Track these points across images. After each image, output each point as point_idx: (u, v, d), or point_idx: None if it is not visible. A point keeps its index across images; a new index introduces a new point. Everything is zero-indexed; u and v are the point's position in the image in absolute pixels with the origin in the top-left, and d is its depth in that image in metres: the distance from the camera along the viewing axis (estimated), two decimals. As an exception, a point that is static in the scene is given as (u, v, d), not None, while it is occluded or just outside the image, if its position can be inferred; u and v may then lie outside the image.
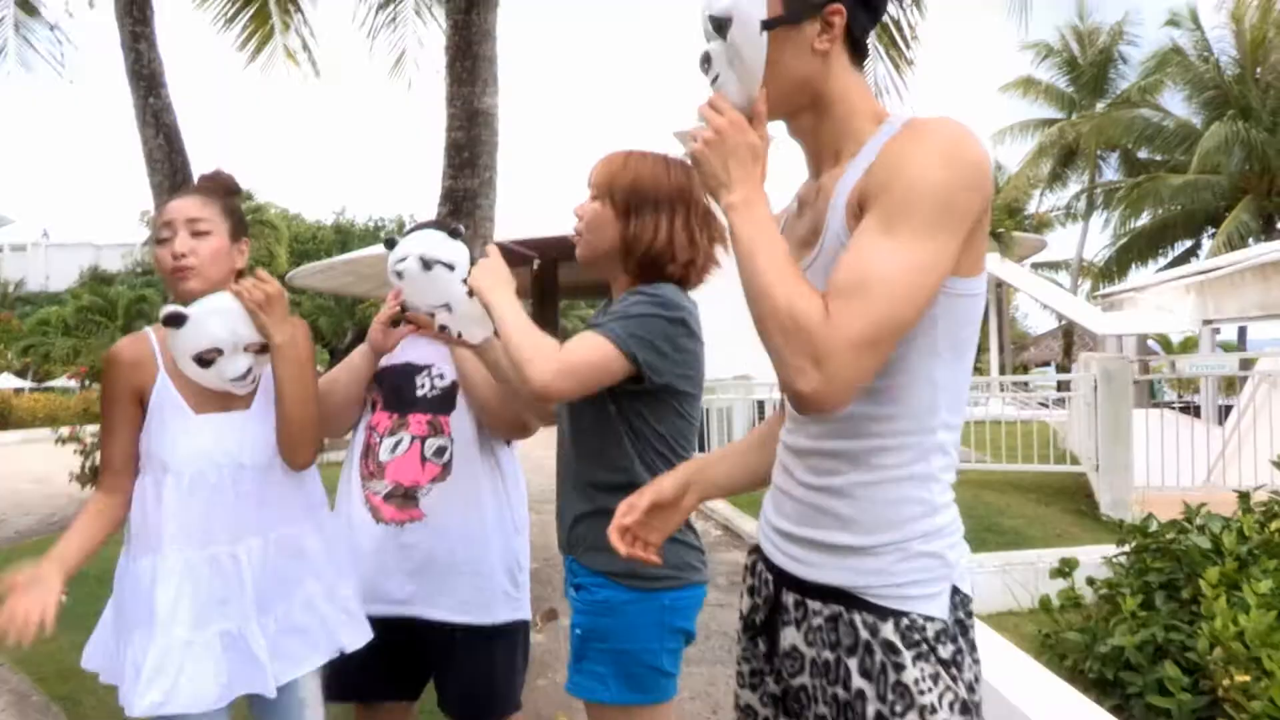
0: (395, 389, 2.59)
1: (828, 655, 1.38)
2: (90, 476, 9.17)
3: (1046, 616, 4.25)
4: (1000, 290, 22.65)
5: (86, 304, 36.04)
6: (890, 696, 1.31)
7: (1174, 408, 15.16)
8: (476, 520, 2.55)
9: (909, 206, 1.21)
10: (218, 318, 1.99)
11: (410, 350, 2.60)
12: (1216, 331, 15.63)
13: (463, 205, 5.54)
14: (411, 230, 2.32)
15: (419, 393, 2.58)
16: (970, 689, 1.35)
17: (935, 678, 1.32)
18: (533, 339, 1.85)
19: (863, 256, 1.21)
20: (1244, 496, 4.64)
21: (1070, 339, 30.84)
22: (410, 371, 2.59)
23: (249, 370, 2.04)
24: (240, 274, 2.11)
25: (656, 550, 1.66)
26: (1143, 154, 29.56)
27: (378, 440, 2.55)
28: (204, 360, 1.99)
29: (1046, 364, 32.40)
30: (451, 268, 2.13)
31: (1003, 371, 22.09)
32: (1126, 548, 4.26)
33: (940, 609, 1.35)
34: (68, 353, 32.88)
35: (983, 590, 4.84)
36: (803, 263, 1.38)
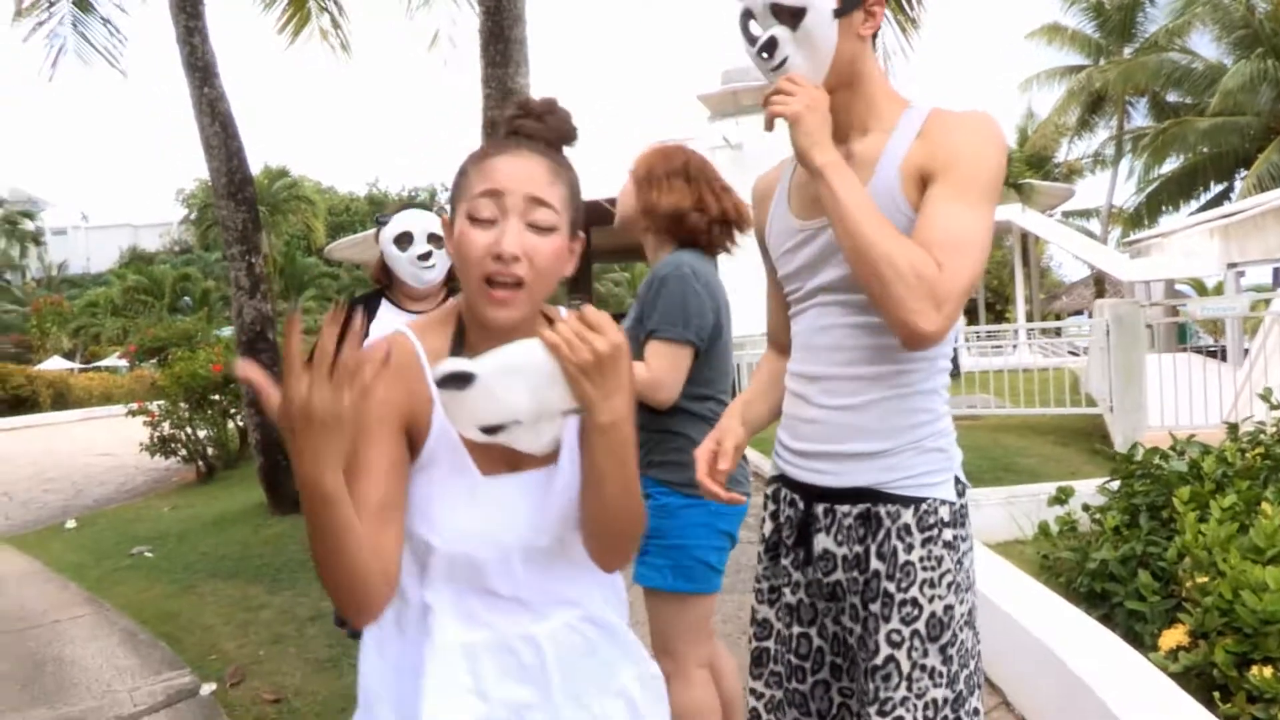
0: None
1: (857, 549, 1.67)
2: (159, 446, 9.73)
3: (1045, 541, 4.65)
4: (1026, 240, 22.77)
5: (132, 284, 36.86)
6: (898, 575, 1.62)
7: (1202, 351, 15.37)
8: None
9: (975, 180, 1.55)
10: (520, 381, 1.28)
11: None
12: (1241, 274, 15.75)
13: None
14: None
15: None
16: (966, 572, 1.69)
17: (939, 560, 1.64)
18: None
19: (955, 221, 1.51)
20: (1233, 427, 5.02)
21: (1102, 287, 30.83)
22: None
23: (554, 439, 1.38)
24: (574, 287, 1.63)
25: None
26: (1172, 98, 29.33)
27: None
28: (492, 430, 1.32)
29: (1079, 312, 32.41)
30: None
31: (1030, 320, 22.27)
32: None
33: (949, 493, 1.68)
34: (117, 333, 33.72)
35: (990, 521, 5.25)
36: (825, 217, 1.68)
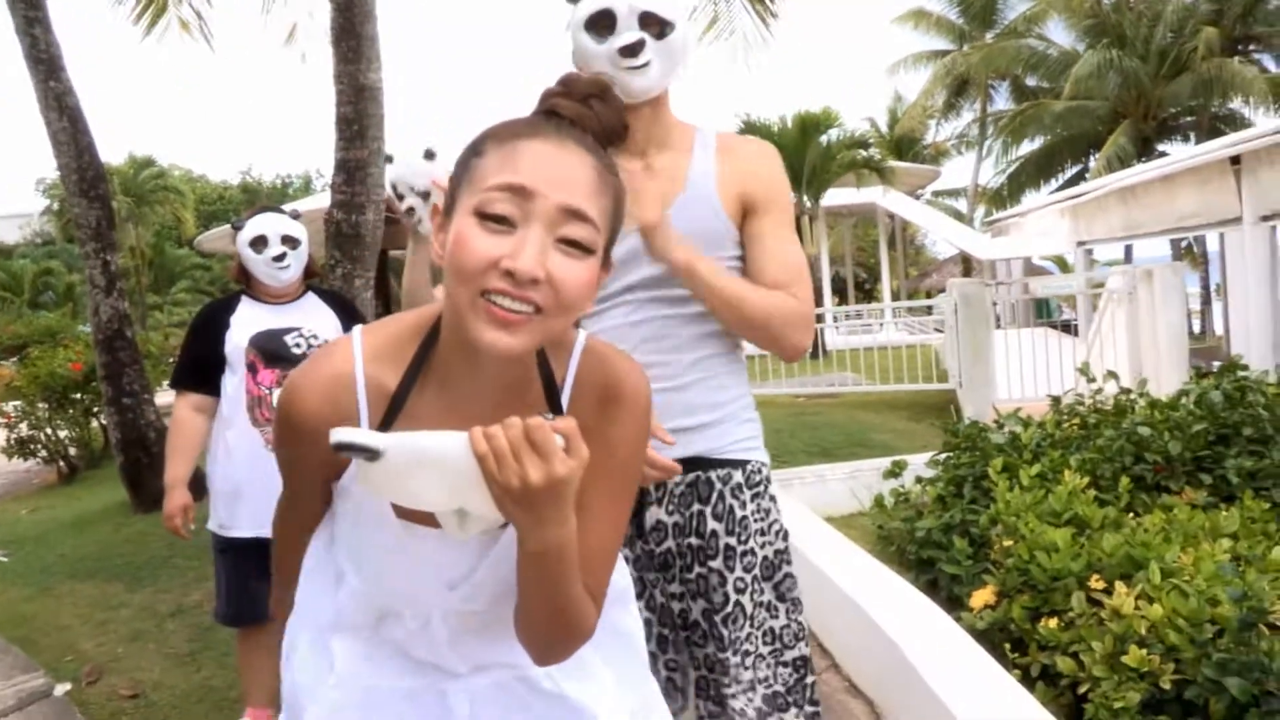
0: (271, 350, 3.09)
1: (686, 513, 1.86)
2: (16, 448, 9.47)
3: (881, 512, 4.95)
4: (893, 221, 23.51)
5: (-12, 279, 35.30)
6: (736, 530, 1.85)
7: (1058, 326, 16.17)
8: None
9: (789, 212, 1.92)
10: (435, 477, 1.04)
11: (271, 318, 3.14)
12: (1090, 252, 16.59)
13: (355, 174, 6.01)
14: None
15: (295, 350, 3.11)
16: (780, 519, 1.94)
17: (765, 513, 1.90)
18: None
19: (792, 252, 1.89)
20: (1055, 400, 5.41)
21: (969, 265, 31.99)
22: (278, 335, 3.11)
23: (483, 530, 1.17)
24: None
25: None
26: (1031, 82, 30.56)
27: (267, 392, 3.07)
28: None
29: (946, 289, 33.51)
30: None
31: (897, 299, 23.04)
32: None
33: (765, 456, 1.94)
34: (-27, 330, 32.24)
35: (833, 494, 5.55)
36: (632, 222, 1.82)
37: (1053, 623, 3.08)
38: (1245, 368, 4.70)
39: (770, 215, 1.88)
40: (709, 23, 9.57)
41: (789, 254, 1.88)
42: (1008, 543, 3.61)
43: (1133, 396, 4.96)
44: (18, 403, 9.60)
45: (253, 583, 3.11)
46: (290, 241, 3.17)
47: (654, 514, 1.89)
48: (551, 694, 1.27)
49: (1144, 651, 2.70)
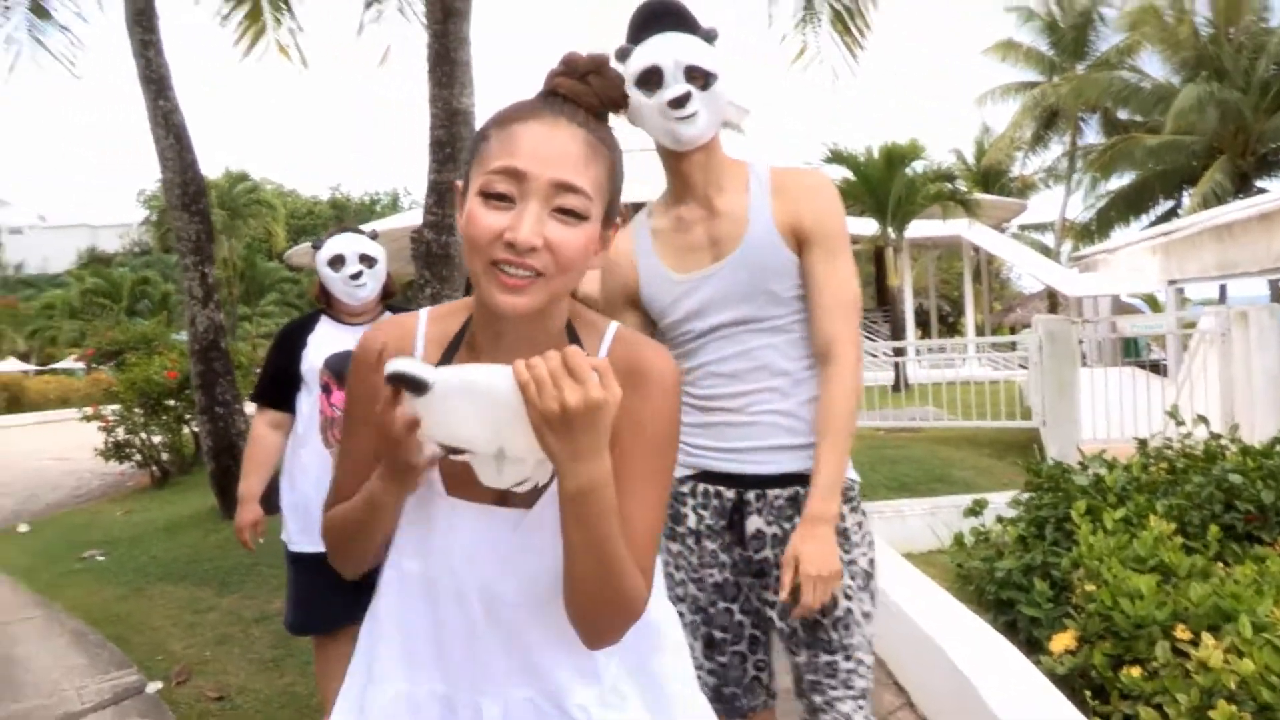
0: (344, 372, 3.17)
1: (787, 525, 1.97)
2: (113, 451, 9.80)
3: (960, 551, 4.89)
4: (978, 254, 23.19)
5: (90, 286, 36.56)
6: (841, 541, 1.95)
7: (1146, 365, 15.80)
8: None
9: (840, 243, 1.98)
10: (476, 408, 1.09)
11: (347, 339, 3.18)
12: (1181, 291, 16.20)
13: (446, 196, 6.15)
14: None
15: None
16: (872, 534, 2.06)
17: (860, 524, 2.02)
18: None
19: (840, 285, 1.96)
20: (1142, 443, 5.30)
21: (1055, 300, 31.42)
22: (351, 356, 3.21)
23: (524, 482, 1.17)
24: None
25: None
26: (1123, 115, 30.00)
27: (339, 414, 3.08)
28: (449, 450, 1.16)
29: (1030, 324, 32.93)
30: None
31: (981, 333, 22.70)
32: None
33: (855, 474, 2.05)
34: (74, 335, 33.46)
35: (911, 531, 5.50)
36: (712, 263, 2.00)
37: (1136, 672, 3.02)
38: (1344, 417, 4.57)
39: (821, 247, 1.97)
40: (798, 52, 9.61)
41: (840, 285, 1.97)
42: (1090, 587, 3.55)
43: (1224, 442, 4.84)
44: (116, 407, 9.95)
45: (321, 595, 3.20)
46: (367, 260, 3.23)
47: (754, 523, 2.02)
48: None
49: (1234, 708, 2.64)
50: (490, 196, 1.14)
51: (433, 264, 6.06)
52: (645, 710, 1.32)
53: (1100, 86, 27.50)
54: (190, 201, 7.45)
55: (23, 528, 8.34)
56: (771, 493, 2.01)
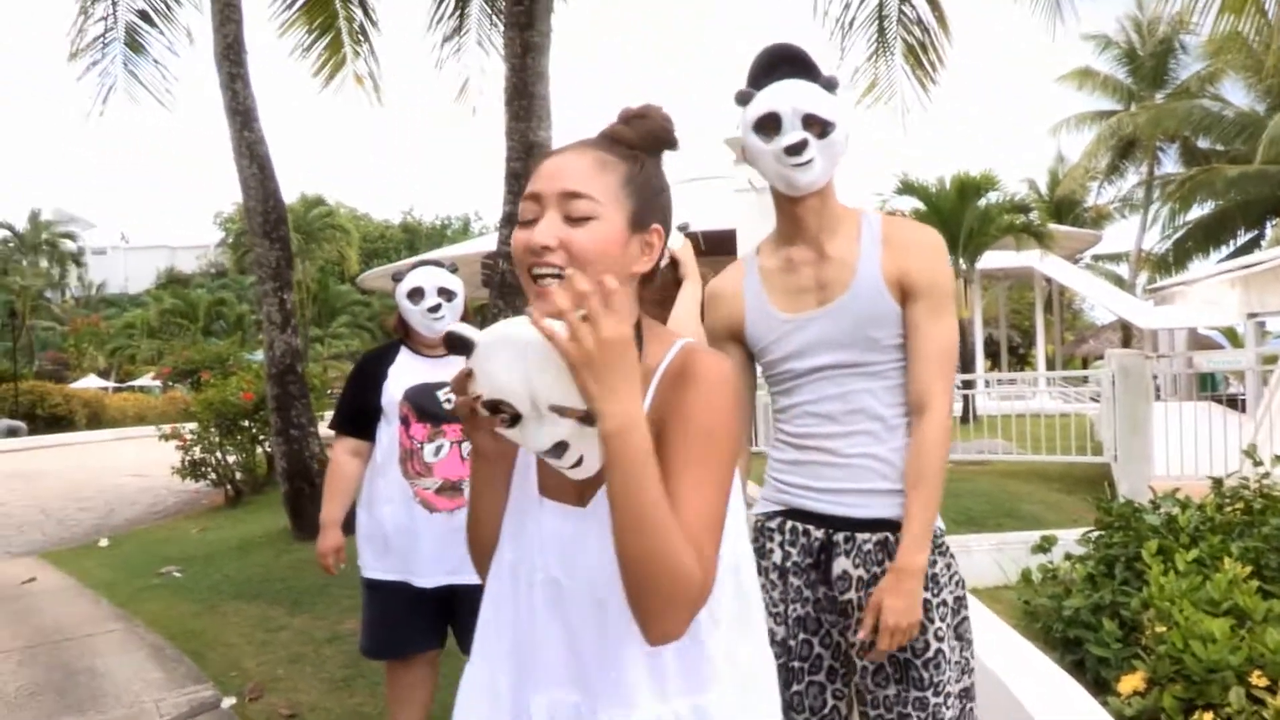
0: (422, 405, 3.21)
1: (875, 570, 2.00)
2: (189, 470, 10.07)
3: (1027, 587, 4.84)
4: (1050, 285, 22.86)
5: (168, 307, 37.61)
6: (930, 585, 2.00)
7: (1223, 400, 15.43)
8: None
9: (945, 297, 2.03)
10: (510, 358, 1.21)
11: (426, 372, 3.25)
12: (1262, 324, 15.82)
13: (522, 228, 6.27)
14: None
15: (446, 406, 3.20)
16: (960, 574, 2.11)
17: (949, 567, 2.06)
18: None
19: (940, 340, 2.02)
20: (1217, 482, 5.21)
21: (1129, 332, 30.83)
22: (430, 389, 3.21)
23: (562, 447, 1.24)
24: (649, 278, 1.41)
25: None
26: (1203, 144, 29.39)
27: (419, 446, 3.18)
28: (493, 408, 1.24)
29: (1103, 356, 32.38)
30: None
31: (1051, 366, 22.35)
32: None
33: (941, 522, 2.06)
34: (152, 354, 34.41)
35: (979, 566, 5.45)
36: (817, 306, 2.05)
37: (1208, 717, 2.99)
38: None
39: (927, 301, 2.01)
40: (869, 86, 9.63)
41: (940, 339, 2.02)
42: (1160, 629, 3.51)
43: (1303, 483, 4.74)
44: (193, 425, 10.23)
45: (395, 621, 3.28)
46: (445, 294, 3.30)
47: (841, 564, 2.04)
48: None
49: (1306, 755, 2.60)
50: (523, 224, 1.30)
51: (506, 293, 6.18)
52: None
53: (1180, 115, 26.98)
54: (271, 229, 7.68)
55: (103, 542, 8.60)
56: (861, 536, 2.04)
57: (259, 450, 10.55)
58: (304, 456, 7.63)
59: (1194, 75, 29.21)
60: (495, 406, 1.23)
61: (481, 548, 1.47)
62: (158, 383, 30.37)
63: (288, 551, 7.22)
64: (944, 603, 2.04)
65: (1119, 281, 31.87)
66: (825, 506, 2.07)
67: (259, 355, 29.71)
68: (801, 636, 2.11)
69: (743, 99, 2.03)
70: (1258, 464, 5.07)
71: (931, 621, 2.00)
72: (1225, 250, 27.47)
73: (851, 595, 2.04)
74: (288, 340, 7.73)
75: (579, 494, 1.32)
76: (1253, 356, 10.88)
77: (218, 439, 10.07)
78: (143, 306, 41.71)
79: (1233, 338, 27.40)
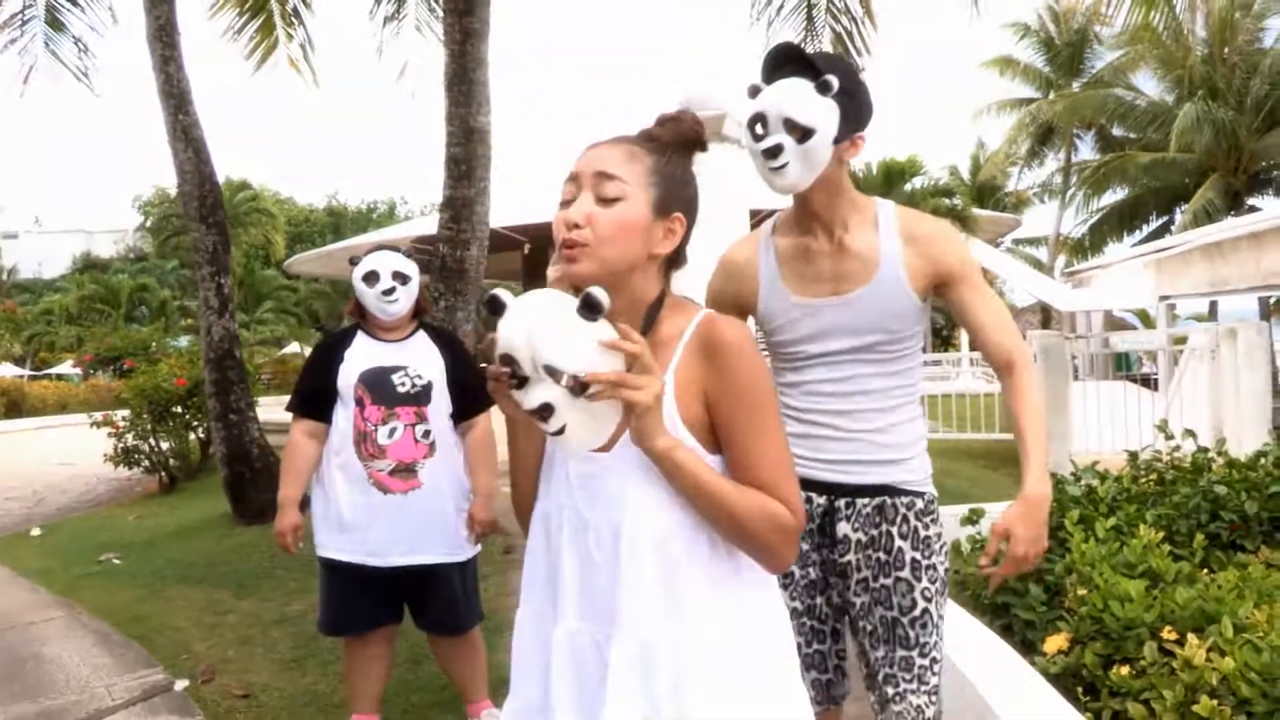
0: (378, 387, 3.30)
1: (873, 532, 2.17)
2: (122, 457, 9.95)
3: (957, 558, 5.06)
4: (974, 268, 23.36)
5: (89, 293, 36.65)
6: (920, 547, 2.17)
7: (1135, 379, 16.00)
8: (453, 484, 3.41)
9: (980, 273, 2.21)
10: (524, 321, 1.35)
11: (381, 355, 3.35)
12: (1173, 307, 16.43)
13: (461, 212, 6.34)
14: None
15: (400, 389, 3.31)
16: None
17: (939, 535, 2.22)
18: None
19: (998, 309, 2.19)
20: (1133, 455, 5.49)
21: (1048, 314, 31.66)
22: (385, 373, 3.32)
23: (547, 410, 1.35)
24: (673, 259, 1.57)
25: None
26: (1117, 132, 30.27)
27: (373, 429, 3.27)
28: (507, 361, 1.36)
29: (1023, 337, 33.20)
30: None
31: (974, 347, 22.85)
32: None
33: (934, 489, 2.26)
34: (71, 341, 33.54)
35: (910, 538, 5.66)
36: (833, 295, 2.17)
37: (1125, 670, 3.20)
38: (1326, 432, 4.76)
39: (967, 284, 2.17)
40: (797, 71, 9.80)
41: (997, 307, 2.20)
42: (1082, 592, 3.73)
43: (1211, 455, 5.03)
44: (125, 412, 10.10)
45: (352, 599, 3.39)
46: (400, 277, 3.38)
47: (842, 528, 2.21)
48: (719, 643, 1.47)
49: (1215, 703, 2.82)
50: (562, 204, 1.49)
51: (447, 277, 6.25)
52: (670, 687, 1.44)
53: (1095, 104, 27.75)
54: (208, 214, 7.62)
55: (35, 531, 8.48)
56: (860, 501, 2.19)
57: (192, 436, 10.46)
58: (244, 441, 7.61)
59: (1108, 65, 30.03)
60: (507, 362, 1.36)
61: (520, 507, 1.66)
62: (77, 370, 29.63)
63: (229, 536, 7.21)
64: (933, 567, 2.18)
65: (1038, 265, 32.72)
66: (827, 475, 2.21)
67: (184, 341, 29.22)
68: (813, 600, 2.26)
69: (752, 93, 2.13)
70: (1169, 438, 5.36)
71: (919, 581, 2.15)
72: (1138, 235, 28.35)
73: (851, 557, 2.19)
74: (225, 325, 7.70)
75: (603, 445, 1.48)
76: (1164, 337, 11.37)
77: (150, 426, 9.95)
78: (60, 292, 40.60)
79: (1145, 319, 28.35)
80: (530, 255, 21.13)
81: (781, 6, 9.81)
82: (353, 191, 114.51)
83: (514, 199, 14.90)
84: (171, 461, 10.25)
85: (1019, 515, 2.08)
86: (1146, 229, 28.34)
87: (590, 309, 1.33)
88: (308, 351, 34.68)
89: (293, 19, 10.16)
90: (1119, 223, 28.35)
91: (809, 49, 9.84)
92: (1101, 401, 9.18)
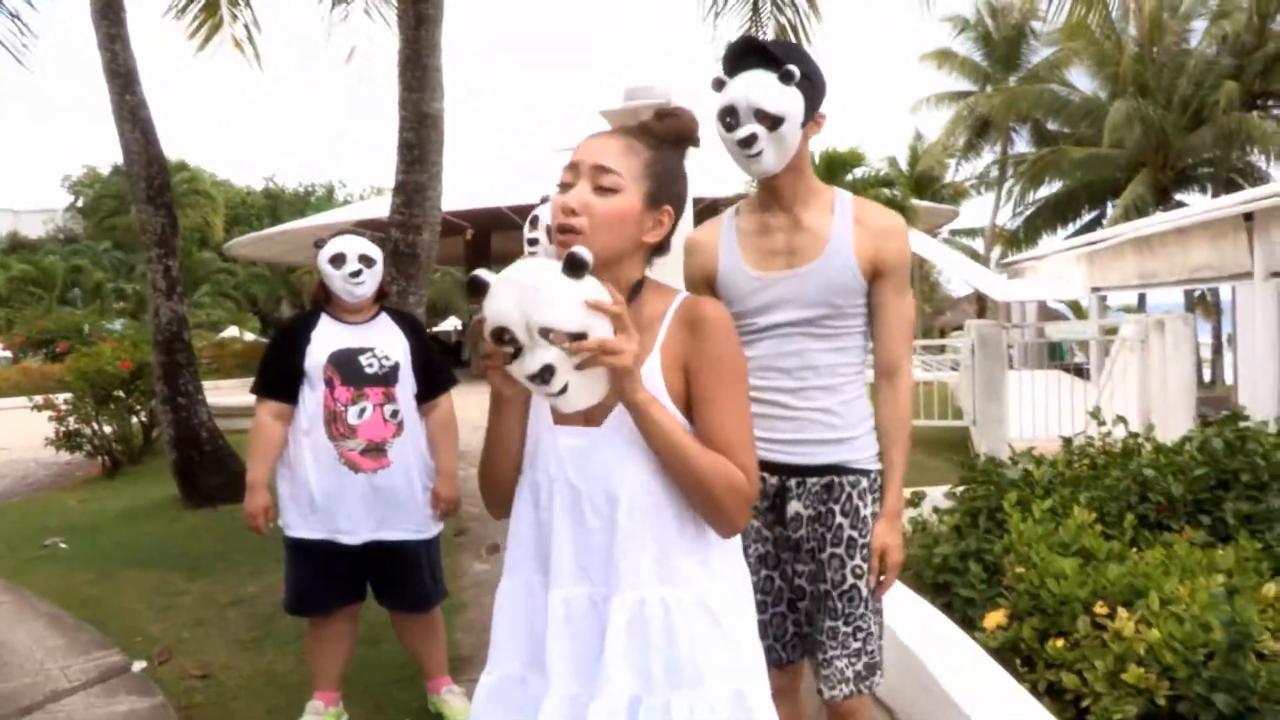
0: (347, 368, 3.37)
1: (820, 508, 2.28)
2: (64, 441, 9.80)
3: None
4: (912, 259, 23.77)
5: (18, 274, 35.74)
6: (859, 525, 2.28)
7: (1070, 369, 16.44)
8: (419, 463, 3.50)
9: (907, 276, 2.31)
10: (513, 291, 1.43)
11: (347, 337, 3.42)
12: (1104, 298, 16.89)
13: (413, 197, 6.38)
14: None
15: (368, 370, 3.39)
16: None
17: (875, 513, 2.31)
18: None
19: (904, 314, 2.30)
20: (1067, 441, 5.72)
21: (984, 304, 32.27)
22: (353, 354, 3.39)
23: (549, 371, 1.44)
24: (659, 248, 1.70)
25: None
26: (1052, 126, 30.95)
27: (343, 409, 3.34)
28: (499, 337, 1.45)
29: (960, 327, 33.87)
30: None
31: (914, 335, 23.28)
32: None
33: (879, 466, 2.34)
34: (1, 324, 32.72)
35: (855, 520, 5.84)
36: (786, 268, 2.29)
37: (1059, 643, 3.38)
38: (1247, 418, 5.01)
39: (893, 280, 2.29)
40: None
41: (905, 313, 2.32)
42: (1020, 570, 3.91)
43: (1140, 440, 5.27)
44: (67, 396, 9.95)
45: (318, 579, 3.46)
46: (366, 260, 3.45)
47: (793, 506, 2.32)
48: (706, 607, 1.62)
49: (1142, 670, 3.01)
50: (561, 187, 1.60)
51: (400, 262, 6.28)
52: (663, 639, 1.58)
53: (1031, 98, 28.39)
54: (155, 195, 7.55)
55: (-26, 516, 8.35)
56: (810, 480, 2.30)
57: (134, 420, 10.34)
58: (193, 424, 7.57)
59: (1044, 61, 30.68)
60: (500, 336, 1.45)
61: (492, 483, 1.73)
62: (7, 354, 28.90)
63: (179, 519, 7.18)
64: (867, 545, 2.30)
65: (975, 256, 33.34)
66: (779, 456, 2.32)
67: (118, 325, 28.64)
68: (764, 573, 2.38)
69: (716, 86, 2.26)
70: (1101, 424, 5.60)
71: (852, 559, 2.28)
72: (1072, 228, 29.08)
73: (802, 532, 2.32)
74: (173, 308, 7.64)
75: (587, 419, 1.61)
76: (1096, 328, 11.74)
77: (93, 409, 9.83)
78: (-13, 273, 39.52)
79: (1077, 310, 29.00)
80: (473, 241, 21.16)
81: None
82: (290, 175, 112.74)
83: (458, 185, 14.89)
84: (114, 445, 10.12)
85: (887, 530, 2.30)
86: (1079, 222, 29.09)
87: (574, 268, 1.42)
88: (247, 336, 34.22)
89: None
90: (1053, 215, 29.06)
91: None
92: (1036, 389, 9.49)
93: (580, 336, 1.42)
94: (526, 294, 1.42)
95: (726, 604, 1.63)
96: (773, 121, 2.18)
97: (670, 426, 1.53)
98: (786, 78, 2.17)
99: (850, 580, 2.28)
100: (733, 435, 1.58)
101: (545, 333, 1.42)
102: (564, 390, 1.47)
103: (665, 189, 1.64)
